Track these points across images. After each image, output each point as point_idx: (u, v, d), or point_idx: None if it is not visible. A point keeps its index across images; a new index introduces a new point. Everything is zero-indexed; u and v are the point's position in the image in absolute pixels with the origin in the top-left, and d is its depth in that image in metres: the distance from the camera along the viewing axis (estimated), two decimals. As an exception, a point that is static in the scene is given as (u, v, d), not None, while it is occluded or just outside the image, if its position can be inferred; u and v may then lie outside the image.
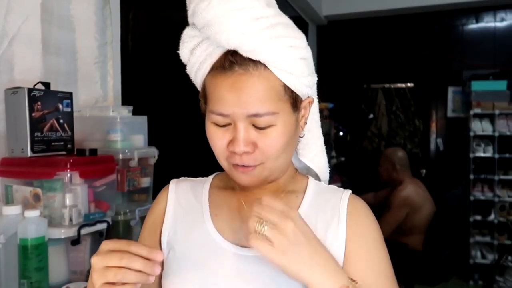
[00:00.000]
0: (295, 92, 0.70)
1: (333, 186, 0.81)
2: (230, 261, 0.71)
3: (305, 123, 0.78)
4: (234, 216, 0.77)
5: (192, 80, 0.76)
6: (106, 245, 0.62)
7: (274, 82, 0.67)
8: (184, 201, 0.81)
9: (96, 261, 0.61)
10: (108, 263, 0.60)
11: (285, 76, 0.67)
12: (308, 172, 0.87)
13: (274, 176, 0.75)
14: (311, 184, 0.81)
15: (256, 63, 0.65)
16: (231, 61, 0.65)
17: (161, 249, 0.78)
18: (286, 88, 0.68)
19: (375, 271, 0.71)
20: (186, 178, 0.87)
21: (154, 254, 0.61)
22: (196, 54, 0.70)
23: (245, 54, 0.65)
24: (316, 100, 0.86)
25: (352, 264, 0.71)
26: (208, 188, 0.83)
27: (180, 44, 0.72)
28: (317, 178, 0.86)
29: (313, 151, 0.85)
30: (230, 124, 0.68)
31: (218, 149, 0.72)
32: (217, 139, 0.71)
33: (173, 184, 0.85)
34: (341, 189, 0.80)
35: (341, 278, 0.62)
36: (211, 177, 0.86)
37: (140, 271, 0.60)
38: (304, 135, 0.81)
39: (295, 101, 0.71)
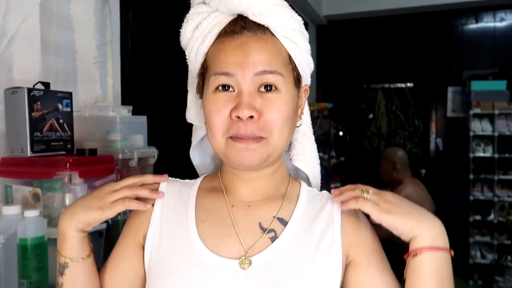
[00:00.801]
0: (297, 68, 0.71)
1: (326, 193, 0.78)
2: (214, 276, 0.67)
3: (302, 113, 0.78)
4: (221, 221, 0.73)
5: (190, 61, 0.74)
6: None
7: (281, 49, 0.69)
8: (171, 205, 0.77)
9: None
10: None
11: (290, 45, 0.69)
12: (296, 175, 0.85)
13: (273, 158, 0.71)
14: (304, 190, 0.78)
15: (264, 29, 0.68)
16: (241, 25, 0.67)
17: (143, 256, 0.74)
18: (291, 60, 0.70)
19: (380, 270, 0.71)
20: (175, 179, 0.82)
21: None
22: (202, 28, 0.70)
23: (253, 18, 0.67)
24: (307, 106, 0.83)
25: (362, 269, 0.70)
26: (196, 190, 0.78)
27: (184, 23, 0.72)
28: (307, 182, 0.83)
29: (308, 156, 0.82)
30: (233, 91, 0.67)
31: (218, 120, 0.67)
32: (219, 107, 0.67)
33: (163, 186, 0.79)
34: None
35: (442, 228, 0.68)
36: (200, 179, 0.82)
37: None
38: (301, 124, 0.79)
39: (297, 76, 0.72)
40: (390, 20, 4.39)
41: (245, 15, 0.67)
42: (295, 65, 0.71)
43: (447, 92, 4.31)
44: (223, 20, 0.69)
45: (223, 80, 0.66)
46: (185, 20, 0.72)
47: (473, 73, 4.04)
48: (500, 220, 3.78)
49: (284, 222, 0.72)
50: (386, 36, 4.45)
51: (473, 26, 4.25)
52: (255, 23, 0.67)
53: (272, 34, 0.68)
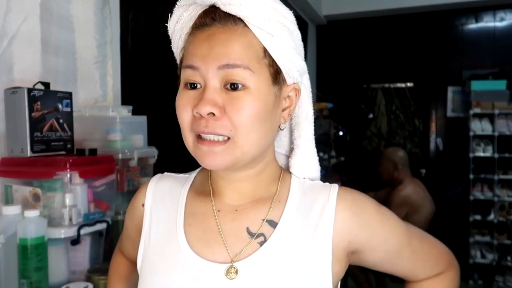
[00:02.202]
0: (276, 64, 0.65)
1: (319, 183, 0.73)
2: (200, 282, 0.65)
3: (289, 115, 0.70)
4: (207, 227, 0.69)
5: (176, 56, 0.73)
6: None
7: (253, 41, 0.63)
8: (161, 204, 0.74)
9: None
10: None
11: (264, 37, 0.63)
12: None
13: (245, 161, 0.65)
14: (295, 184, 0.72)
15: (236, 20, 0.63)
16: (211, 17, 0.63)
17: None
18: (266, 54, 0.64)
19: (396, 247, 0.72)
20: (169, 174, 0.79)
21: None
22: (181, 21, 0.67)
23: (223, 8, 0.62)
24: (311, 111, 0.77)
25: (374, 253, 0.71)
26: (187, 189, 0.75)
27: (169, 17, 0.70)
28: None
29: (309, 165, 0.76)
30: (200, 87, 0.63)
31: (184, 117, 0.64)
32: (184, 103, 0.63)
33: (153, 182, 0.77)
34: (327, 185, 0.72)
35: None
36: (193, 175, 0.78)
37: None
38: (284, 128, 0.73)
39: (276, 73, 0.65)
40: (390, 20, 4.39)
41: (216, 5, 0.63)
42: (273, 60, 0.64)
43: (447, 92, 4.31)
44: (198, 13, 0.65)
45: (189, 75, 0.63)
46: (170, 14, 0.70)
47: (473, 73, 4.04)
48: (500, 220, 3.77)
49: (273, 224, 0.67)
50: (386, 36, 4.45)
51: (473, 26, 4.25)
52: (226, 13, 0.63)
53: (245, 25, 0.62)
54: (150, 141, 1.49)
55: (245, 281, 0.64)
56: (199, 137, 0.63)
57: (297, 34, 0.68)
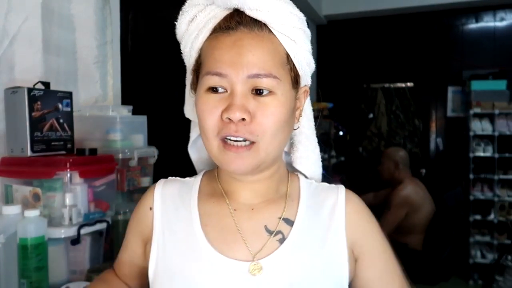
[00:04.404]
0: (296, 68, 0.68)
1: (325, 184, 0.77)
2: (224, 280, 0.66)
3: (300, 115, 0.74)
4: (224, 226, 0.70)
5: (185, 55, 0.72)
6: None
7: (278, 47, 0.65)
8: (172, 207, 0.74)
9: None
10: None
11: (288, 43, 0.65)
12: (293, 168, 0.82)
13: (267, 163, 0.67)
14: (303, 185, 0.76)
15: (261, 25, 0.64)
16: (237, 20, 0.63)
17: (148, 261, 0.72)
18: (289, 59, 0.66)
19: (387, 268, 0.73)
20: (174, 178, 0.79)
21: None
22: (197, 21, 0.67)
23: (249, 13, 0.63)
24: (310, 108, 0.81)
25: (367, 262, 0.71)
26: (197, 192, 0.75)
27: (179, 15, 0.69)
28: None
29: (311, 159, 0.80)
30: (226, 91, 0.63)
31: (210, 122, 0.64)
32: (210, 108, 0.63)
33: (159, 186, 0.77)
34: (333, 186, 0.76)
35: None
36: (199, 178, 0.79)
37: None
38: (298, 127, 0.76)
39: (295, 76, 0.68)
40: (390, 20, 4.39)
41: (241, 9, 0.63)
42: (294, 65, 0.67)
43: (447, 92, 4.31)
44: (219, 14, 0.65)
45: (216, 81, 0.63)
46: (180, 12, 0.69)
47: (473, 73, 4.04)
48: (500, 219, 3.77)
49: (289, 222, 0.70)
50: (386, 36, 4.45)
51: (473, 26, 4.25)
52: (251, 18, 0.63)
53: (270, 31, 0.64)
54: (150, 141, 1.49)
55: (269, 277, 0.65)
56: (224, 142, 0.64)
57: (310, 37, 0.70)
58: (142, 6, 2.00)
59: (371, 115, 4.53)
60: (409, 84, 4.43)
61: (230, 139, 0.63)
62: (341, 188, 0.75)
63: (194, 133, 0.85)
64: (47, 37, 1.35)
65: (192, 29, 0.68)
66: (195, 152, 0.88)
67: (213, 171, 0.79)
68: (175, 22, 0.71)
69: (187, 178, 0.80)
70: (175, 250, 0.70)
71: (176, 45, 0.73)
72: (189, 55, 0.71)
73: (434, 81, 4.33)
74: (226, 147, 0.63)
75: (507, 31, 4.14)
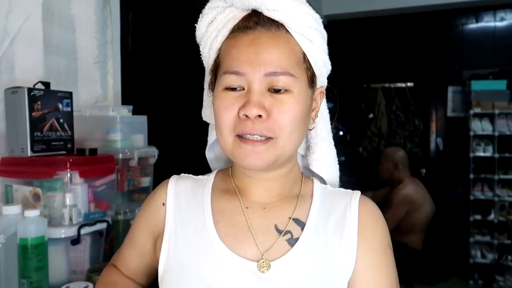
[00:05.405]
0: (312, 68, 0.69)
1: (341, 189, 0.78)
2: (234, 276, 0.66)
3: (316, 116, 0.75)
4: (236, 223, 0.71)
5: (204, 56, 0.74)
6: None
7: (295, 47, 0.66)
8: (185, 203, 0.75)
9: None
10: None
11: (305, 43, 0.67)
12: (309, 173, 0.83)
13: (282, 161, 0.68)
14: (317, 188, 0.76)
15: (279, 25, 0.66)
16: (255, 21, 0.65)
17: (158, 254, 0.72)
18: (305, 58, 0.68)
19: (383, 282, 0.70)
20: (187, 175, 0.80)
21: None
22: (216, 22, 0.69)
23: (267, 13, 0.65)
24: (326, 110, 0.81)
25: (362, 275, 0.69)
26: (210, 189, 0.76)
27: (200, 18, 0.72)
28: (321, 180, 0.81)
29: (328, 161, 0.80)
30: (243, 89, 0.65)
31: (226, 118, 0.65)
32: (227, 105, 0.65)
33: (172, 182, 0.77)
34: (349, 191, 0.76)
35: None
36: (212, 176, 0.79)
37: None
38: (313, 128, 0.78)
39: (312, 76, 0.70)
40: (390, 20, 4.39)
41: (259, 10, 0.65)
42: (310, 65, 0.69)
43: (447, 92, 4.31)
44: (238, 15, 0.67)
45: (233, 80, 0.64)
46: (200, 15, 0.72)
47: (473, 73, 4.04)
48: (500, 219, 3.77)
49: (299, 223, 0.70)
50: (386, 36, 4.45)
51: (473, 26, 4.25)
52: (269, 18, 0.66)
53: (287, 31, 0.66)
54: (150, 141, 1.49)
55: (278, 277, 0.66)
56: (239, 137, 0.65)
57: (326, 37, 0.72)
58: (142, 6, 2.00)
59: (371, 115, 4.53)
60: (409, 84, 4.43)
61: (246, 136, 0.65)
62: (356, 193, 0.75)
63: (212, 136, 0.85)
64: (47, 37, 1.35)
65: (211, 31, 0.70)
66: (212, 154, 0.88)
67: (227, 169, 0.80)
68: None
69: (200, 176, 0.81)
70: (186, 245, 0.70)
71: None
72: (208, 55, 0.72)
73: (434, 81, 4.33)
74: (242, 141, 0.65)
75: (507, 31, 4.14)
